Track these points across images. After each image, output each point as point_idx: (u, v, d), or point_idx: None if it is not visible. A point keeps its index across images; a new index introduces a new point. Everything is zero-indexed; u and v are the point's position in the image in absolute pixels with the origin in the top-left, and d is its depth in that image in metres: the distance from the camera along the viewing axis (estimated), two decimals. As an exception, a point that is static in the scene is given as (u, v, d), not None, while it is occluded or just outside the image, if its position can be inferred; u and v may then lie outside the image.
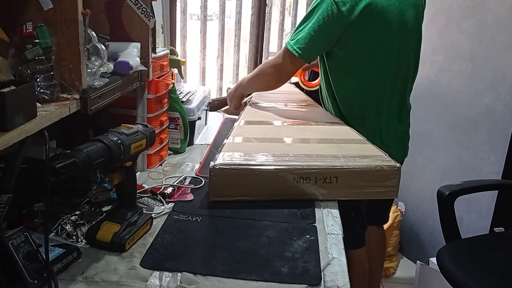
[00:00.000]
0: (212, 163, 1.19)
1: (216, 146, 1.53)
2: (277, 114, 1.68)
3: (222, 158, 1.22)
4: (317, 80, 1.92)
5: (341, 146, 1.36)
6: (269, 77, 1.61)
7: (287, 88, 2.02)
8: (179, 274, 0.91)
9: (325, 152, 1.30)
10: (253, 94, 1.87)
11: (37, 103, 0.84)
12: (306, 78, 2.03)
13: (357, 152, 1.31)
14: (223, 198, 1.21)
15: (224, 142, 1.34)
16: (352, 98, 1.57)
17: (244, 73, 2.79)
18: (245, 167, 1.19)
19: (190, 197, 1.25)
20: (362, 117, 1.57)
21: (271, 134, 1.47)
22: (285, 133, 1.50)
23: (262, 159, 1.24)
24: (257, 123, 1.58)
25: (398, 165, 1.24)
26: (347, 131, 1.50)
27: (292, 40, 1.47)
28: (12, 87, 0.77)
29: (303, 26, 1.46)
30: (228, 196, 1.21)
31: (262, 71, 1.64)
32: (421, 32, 1.60)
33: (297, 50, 1.45)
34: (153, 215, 1.12)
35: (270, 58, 1.61)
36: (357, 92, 1.55)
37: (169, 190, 1.26)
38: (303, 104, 1.83)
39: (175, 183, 1.31)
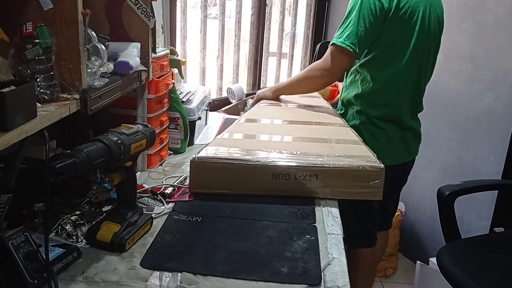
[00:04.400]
0: (193, 156, 1.23)
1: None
2: (282, 113, 1.68)
3: (205, 152, 1.25)
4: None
5: (331, 145, 1.35)
6: (318, 79, 1.61)
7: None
8: (179, 274, 0.91)
9: (312, 150, 1.29)
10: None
11: (37, 103, 0.84)
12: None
13: (344, 152, 1.29)
14: (204, 190, 1.24)
15: (215, 137, 1.37)
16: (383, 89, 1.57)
17: (244, 73, 2.80)
18: (224, 161, 1.21)
19: (190, 197, 1.25)
20: (388, 106, 1.58)
21: (265, 132, 1.48)
22: (279, 132, 1.50)
23: (244, 154, 1.24)
24: (257, 121, 1.59)
25: (381, 166, 1.21)
26: (345, 132, 1.48)
27: (339, 38, 1.48)
28: (12, 87, 0.77)
29: (346, 22, 1.49)
30: (208, 189, 1.23)
31: (308, 74, 1.64)
32: (439, 39, 1.66)
33: (349, 44, 1.46)
34: (153, 215, 1.12)
35: (316, 62, 1.62)
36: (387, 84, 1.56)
37: (169, 190, 1.26)
38: (315, 105, 1.79)
39: (175, 183, 1.31)
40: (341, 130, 1.51)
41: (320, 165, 1.21)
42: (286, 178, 1.21)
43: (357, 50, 1.47)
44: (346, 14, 1.51)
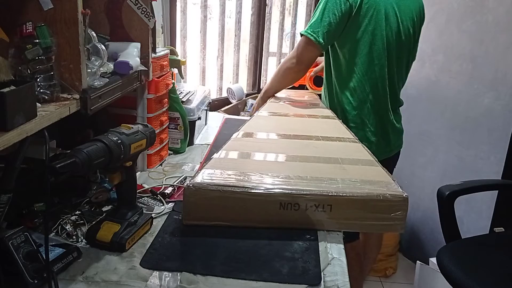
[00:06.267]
0: (187, 182, 1.07)
1: (217, 146, 1.52)
2: (283, 126, 1.55)
3: (202, 177, 1.08)
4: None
5: (344, 167, 1.21)
6: (289, 70, 1.69)
7: (306, 98, 1.98)
8: (179, 274, 0.91)
9: (323, 174, 1.15)
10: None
11: (37, 103, 0.84)
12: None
13: (360, 176, 1.14)
14: (200, 222, 1.07)
15: (211, 157, 1.23)
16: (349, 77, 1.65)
17: (244, 73, 2.80)
18: (224, 188, 1.05)
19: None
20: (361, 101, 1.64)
21: (267, 149, 1.33)
22: (283, 149, 1.34)
23: (247, 180, 1.08)
24: (256, 136, 1.45)
25: (405, 194, 1.07)
26: (356, 149, 1.35)
27: (306, 29, 1.58)
28: (12, 87, 0.77)
29: (314, 15, 1.59)
30: (205, 220, 1.07)
31: (281, 67, 1.74)
32: (413, 38, 1.69)
33: (311, 33, 1.55)
34: (153, 215, 1.12)
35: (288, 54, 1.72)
36: (354, 75, 1.63)
37: (169, 190, 1.26)
38: (318, 115, 1.69)
39: (175, 183, 1.31)
40: (352, 147, 1.38)
41: (335, 193, 1.05)
42: (295, 208, 1.06)
43: (320, 40, 1.54)
44: (316, 7, 1.61)
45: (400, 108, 1.79)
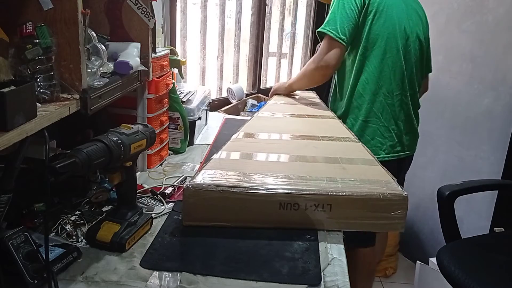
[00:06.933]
0: (187, 183, 1.07)
1: (217, 146, 1.52)
2: (283, 126, 1.57)
3: (202, 178, 1.09)
4: None
5: (344, 167, 1.21)
6: (314, 71, 1.67)
7: (306, 98, 1.98)
8: (179, 274, 0.91)
9: (323, 173, 1.15)
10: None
11: (37, 103, 0.84)
12: None
13: (360, 176, 1.14)
14: (200, 223, 1.08)
15: (211, 158, 1.24)
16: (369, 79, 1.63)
17: (244, 73, 2.80)
18: (224, 188, 1.05)
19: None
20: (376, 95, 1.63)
21: (267, 150, 1.33)
22: (283, 149, 1.35)
23: (247, 181, 1.09)
24: (256, 137, 1.45)
25: (405, 193, 1.07)
26: (357, 149, 1.36)
27: (323, 26, 1.59)
28: (12, 87, 0.77)
29: (330, 14, 1.60)
30: (205, 221, 1.07)
31: (307, 68, 1.72)
32: (423, 35, 1.69)
33: (330, 30, 1.56)
34: (153, 215, 1.12)
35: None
36: (374, 73, 1.63)
37: (169, 190, 1.26)
38: (318, 115, 1.70)
39: (175, 183, 1.31)
40: (351, 146, 1.38)
41: (335, 193, 1.05)
42: (295, 208, 1.06)
43: (341, 35, 1.55)
44: (330, 7, 1.63)
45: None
